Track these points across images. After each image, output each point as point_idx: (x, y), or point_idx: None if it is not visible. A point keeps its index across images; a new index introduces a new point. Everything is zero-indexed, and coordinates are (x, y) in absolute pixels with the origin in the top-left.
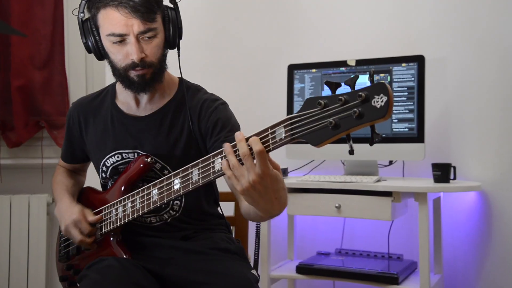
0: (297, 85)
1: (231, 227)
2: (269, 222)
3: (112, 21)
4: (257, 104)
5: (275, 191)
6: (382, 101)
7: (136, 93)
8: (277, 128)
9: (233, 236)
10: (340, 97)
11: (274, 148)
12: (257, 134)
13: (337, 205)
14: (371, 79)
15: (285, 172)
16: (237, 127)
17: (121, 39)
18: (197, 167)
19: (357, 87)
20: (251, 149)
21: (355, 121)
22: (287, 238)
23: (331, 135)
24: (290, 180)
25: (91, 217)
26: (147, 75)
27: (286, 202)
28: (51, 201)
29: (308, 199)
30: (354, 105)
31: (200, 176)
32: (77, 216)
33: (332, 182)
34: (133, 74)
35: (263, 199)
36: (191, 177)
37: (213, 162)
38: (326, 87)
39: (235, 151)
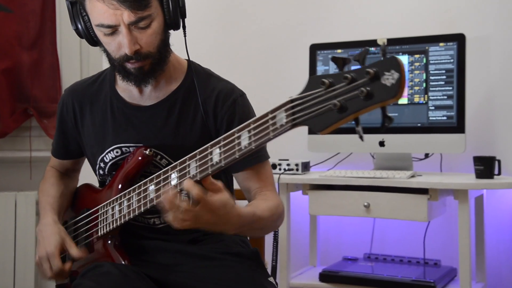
0: (320, 68)
1: None
2: (288, 224)
3: (99, 11)
4: (274, 90)
5: (226, 214)
6: (393, 79)
7: (135, 86)
8: (277, 112)
9: (248, 238)
10: (346, 74)
11: (275, 136)
12: (255, 121)
13: (365, 204)
14: (383, 52)
15: (306, 166)
16: None
17: (112, 30)
18: (194, 159)
19: None
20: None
21: (363, 102)
22: (309, 241)
23: (336, 119)
24: (312, 176)
25: (74, 250)
26: (146, 67)
27: (245, 215)
28: None
29: (332, 197)
30: (362, 84)
31: (198, 170)
32: (52, 250)
33: (360, 178)
34: (129, 66)
35: (221, 224)
36: (189, 170)
37: (211, 153)
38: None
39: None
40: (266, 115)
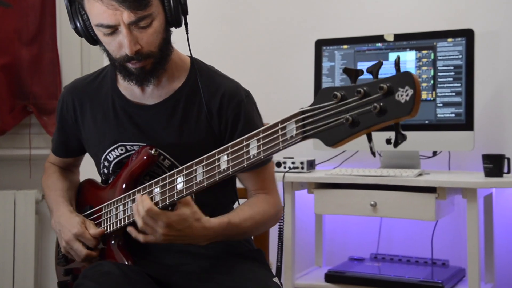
0: (326, 64)
1: None
2: (294, 223)
3: (98, 11)
4: (279, 87)
5: (189, 228)
6: (407, 95)
7: (137, 85)
8: (288, 123)
9: (252, 238)
10: (359, 88)
11: (284, 147)
12: (264, 130)
13: (372, 203)
14: (396, 67)
15: (312, 164)
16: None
17: (112, 30)
18: (201, 164)
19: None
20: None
21: (376, 118)
22: (315, 241)
23: (348, 134)
24: (318, 174)
25: (93, 230)
26: (147, 67)
27: (213, 227)
28: (40, 198)
29: (338, 196)
30: (375, 99)
31: (205, 176)
32: (79, 229)
33: (367, 176)
34: (130, 66)
35: (187, 238)
36: (195, 176)
37: (218, 159)
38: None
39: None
40: (276, 125)
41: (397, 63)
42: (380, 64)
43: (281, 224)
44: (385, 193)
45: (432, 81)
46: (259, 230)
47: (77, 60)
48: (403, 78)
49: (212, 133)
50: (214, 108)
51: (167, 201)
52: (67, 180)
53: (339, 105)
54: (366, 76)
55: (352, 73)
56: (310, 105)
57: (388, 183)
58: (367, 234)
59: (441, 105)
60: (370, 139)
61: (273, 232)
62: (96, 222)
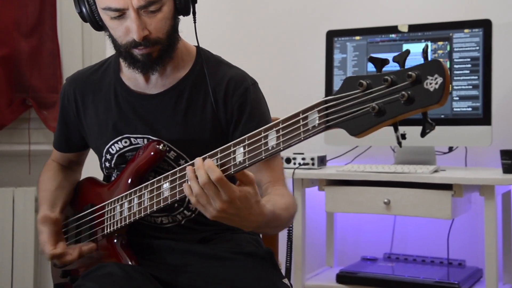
0: (337, 56)
1: None
2: (304, 222)
3: None
4: (288, 79)
5: (249, 209)
6: (436, 83)
7: (142, 73)
8: (309, 113)
9: (261, 237)
10: (386, 77)
11: (306, 138)
12: (284, 121)
13: (385, 200)
14: (424, 55)
15: (323, 160)
16: (266, 118)
17: (120, 13)
18: (215, 158)
19: (410, 60)
20: None
21: (404, 107)
22: (326, 240)
23: (374, 123)
24: (329, 171)
25: (53, 250)
26: (154, 54)
27: (267, 213)
28: None
29: (350, 194)
30: (403, 88)
31: (220, 169)
32: (42, 246)
33: (380, 173)
34: (136, 52)
35: (239, 220)
36: (187, 180)
37: (234, 152)
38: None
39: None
40: (297, 114)
41: (425, 51)
42: (407, 53)
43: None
44: (399, 190)
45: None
46: (288, 224)
47: (78, 51)
48: (432, 66)
49: (218, 124)
50: (220, 97)
51: (177, 196)
52: (57, 179)
53: (364, 94)
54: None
55: (378, 62)
56: (334, 94)
57: (402, 180)
58: (380, 233)
59: (457, 98)
60: (396, 129)
61: (283, 231)
62: (97, 220)
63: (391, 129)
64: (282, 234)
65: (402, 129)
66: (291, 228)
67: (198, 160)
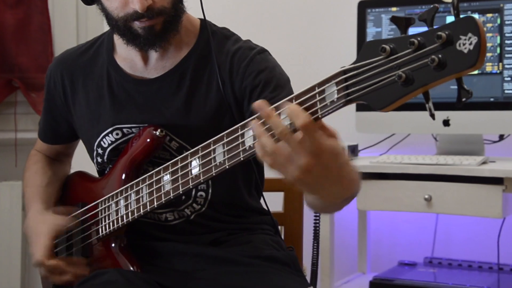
0: (371, 30)
1: (279, 227)
2: (332, 221)
3: None
4: (314, 58)
5: (339, 169)
6: (470, 44)
7: (143, 50)
8: (326, 86)
9: (283, 239)
10: (412, 39)
11: (323, 115)
12: (297, 96)
13: (426, 196)
14: (455, 11)
15: (354, 150)
16: (284, 82)
17: None
18: (221, 143)
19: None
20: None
21: (434, 73)
22: (357, 242)
23: (401, 94)
24: (361, 162)
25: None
26: (157, 26)
27: (358, 179)
28: None
29: (386, 189)
30: (432, 50)
31: (227, 156)
32: (39, 256)
33: (420, 165)
34: (137, 26)
35: (327, 183)
36: (214, 157)
37: (242, 135)
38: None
39: (268, 129)
40: (312, 88)
41: (455, 6)
42: (435, 10)
43: (317, 220)
44: (442, 185)
45: (498, 50)
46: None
47: (72, 25)
48: (465, 24)
49: (226, 108)
50: (225, 73)
51: (180, 190)
52: (48, 173)
53: (388, 61)
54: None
55: (402, 22)
56: (353, 63)
57: (445, 173)
58: (420, 234)
59: (509, 79)
60: (427, 98)
61: (307, 230)
62: (91, 221)
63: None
64: (307, 233)
65: (445, 114)
66: (318, 226)
67: (263, 107)
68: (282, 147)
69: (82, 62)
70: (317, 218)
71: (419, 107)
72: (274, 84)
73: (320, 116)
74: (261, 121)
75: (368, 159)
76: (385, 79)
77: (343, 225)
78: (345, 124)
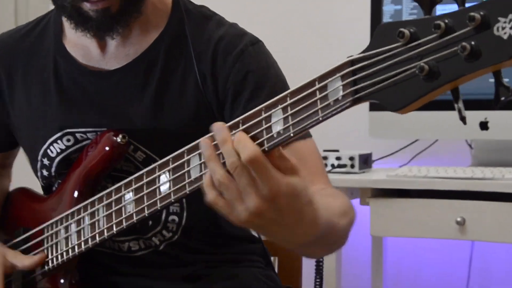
0: (388, 8)
1: (272, 258)
2: (339, 251)
3: None
4: (321, 42)
5: (298, 212)
6: (511, 28)
7: (96, 38)
8: (330, 80)
9: (276, 272)
10: (438, 21)
11: (325, 118)
12: (294, 93)
13: (459, 219)
14: None
15: (367, 161)
16: (281, 87)
17: None
18: (196, 153)
19: None
20: None
21: (465, 65)
22: (371, 277)
23: (423, 91)
24: (376, 176)
25: (23, 261)
26: (113, 8)
27: (329, 220)
28: None
29: (407, 210)
30: (463, 36)
31: (172, 189)
32: None
33: (451, 179)
34: (87, 7)
35: (282, 229)
36: (188, 170)
37: (188, 161)
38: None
39: (220, 154)
40: (311, 84)
41: None
42: None
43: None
44: (478, 205)
45: None
46: (346, 239)
47: (10, 6)
48: (505, 2)
49: (205, 106)
50: (206, 67)
51: (146, 212)
52: None
53: (407, 48)
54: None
55: (425, 1)
56: (363, 51)
57: (482, 190)
58: (451, 267)
59: None
60: (457, 97)
61: (308, 262)
62: (35, 252)
63: (467, 115)
64: (307, 267)
65: (482, 115)
66: (321, 258)
67: (221, 130)
68: (232, 180)
69: (22, 49)
70: None
71: (449, 105)
72: (266, 91)
73: (321, 118)
74: (214, 142)
75: (385, 172)
76: (404, 72)
77: (353, 255)
78: (356, 127)
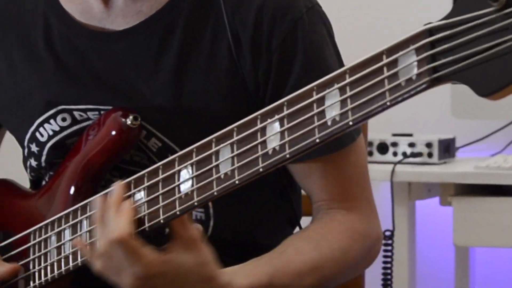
0: None
1: None
2: (413, 263)
3: None
4: (385, 5)
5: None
6: None
7: None
8: (401, 54)
9: None
10: None
11: (393, 103)
12: (354, 68)
13: None
14: None
15: (449, 148)
16: (331, 71)
17: None
18: (188, 163)
19: None
20: None
21: None
22: None
23: None
24: (461, 167)
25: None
26: None
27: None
28: None
29: (500, 212)
30: None
31: (195, 188)
32: None
33: None
34: None
35: None
36: (217, 165)
37: (216, 153)
38: None
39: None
40: (377, 57)
41: None
42: None
43: (389, 261)
44: None
45: None
46: (345, 276)
47: None
48: None
49: (240, 84)
50: (246, 36)
51: (161, 218)
52: None
53: (503, 15)
54: None
55: None
56: (445, 17)
57: None
58: None
59: None
60: None
61: (373, 274)
62: (18, 263)
63: None
64: (372, 277)
65: None
66: (389, 271)
67: (114, 192)
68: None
69: (8, 9)
70: (388, 258)
71: None
72: (315, 73)
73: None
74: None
75: (472, 162)
76: (498, 46)
77: (432, 271)
78: (434, 104)
